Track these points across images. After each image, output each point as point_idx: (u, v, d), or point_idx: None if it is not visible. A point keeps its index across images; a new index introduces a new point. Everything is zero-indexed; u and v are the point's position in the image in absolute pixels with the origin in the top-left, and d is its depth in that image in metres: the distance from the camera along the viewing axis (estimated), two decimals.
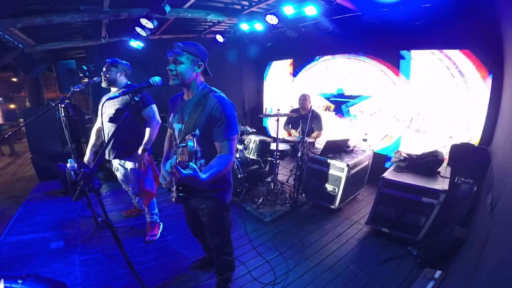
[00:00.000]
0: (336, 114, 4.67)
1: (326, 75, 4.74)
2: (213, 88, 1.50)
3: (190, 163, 1.07)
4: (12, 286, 1.34)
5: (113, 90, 2.30)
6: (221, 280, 1.88)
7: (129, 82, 2.35)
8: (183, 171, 1.05)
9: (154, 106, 2.29)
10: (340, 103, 4.58)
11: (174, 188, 1.50)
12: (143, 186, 2.41)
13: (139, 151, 2.27)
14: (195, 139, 1.08)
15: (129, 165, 2.35)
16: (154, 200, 2.60)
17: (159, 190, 3.64)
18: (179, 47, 1.34)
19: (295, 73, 5.40)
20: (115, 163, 2.42)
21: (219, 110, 1.35)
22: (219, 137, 1.37)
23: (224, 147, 1.38)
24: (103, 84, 2.27)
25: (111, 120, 2.18)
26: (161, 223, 2.75)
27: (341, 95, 4.54)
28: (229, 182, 1.60)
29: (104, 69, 2.22)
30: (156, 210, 2.65)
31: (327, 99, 4.80)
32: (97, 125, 2.45)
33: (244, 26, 4.01)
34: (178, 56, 1.34)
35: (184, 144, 1.06)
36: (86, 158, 2.37)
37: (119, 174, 2.48)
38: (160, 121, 2.33)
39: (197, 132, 1.38)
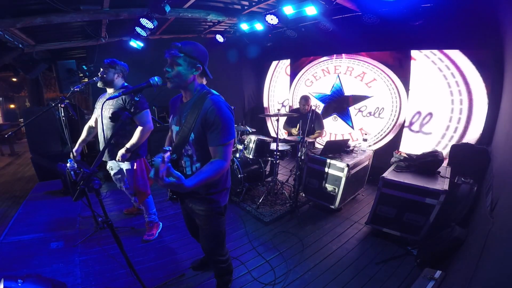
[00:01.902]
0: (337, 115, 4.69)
1: (323, 75, 4.75)
2: (211, 90, 1.45)
3: (173, 170, 1.08)
4: (12, 287, 1.34)
5: (109, 91, 2.29)
6: (220, 281, 1.87)
7: (126, 84, 2.34)
8: (166, 179, 1.05)
9: (148, 112, 2.25)
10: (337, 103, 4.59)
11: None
12: (136, 186, 2.40)
13: (122, 150, 2.21)
14: (165, 156, 1.05)
15: (124, 166, 2.35)
16: (151, 200, 2.58)
17: (160, 190, 3.65)
18: (176, 47, 1.29)
19: (295, 73, 5.40)
20: (110, 163, 2.44)
21: (214, 114, 1.29)
22: (213, 142, 1.32)
23: (217, 153, 1.32)
24: (99, 84, 2.26)
25: (112, 119, 2.18)
26: (160, 223, 2.75)
27: (338, 95, 4.55)
28: (226, 186, 1.55)
29: (101, 69, 2.22)
30: (154, 210, 2.63)
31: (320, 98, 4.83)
32: (90, 122, 2.47)
33: (244, 26, 4.01)
34: (175, 58, 1.30)
35: (154, 159, 1.04)
36: (74, 149, 2.37)
37: (112, 173, 2.50)
38: (152, 127, 2.27)
39: (192, 135, 1.35)
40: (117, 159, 2.25)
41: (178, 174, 1.08)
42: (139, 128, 2.22)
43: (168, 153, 1.08)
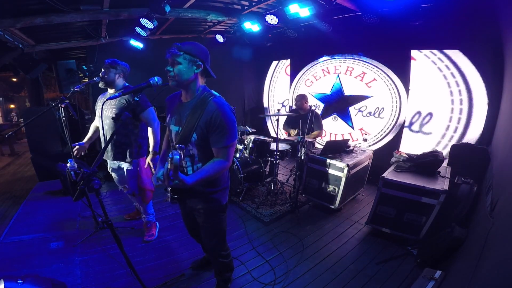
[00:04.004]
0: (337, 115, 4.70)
1: (323, 75, 4.75)
2: (213, 91, 1.45)
3: (180, 174, 1.17)
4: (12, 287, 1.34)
5: (110, 91, 2.29)
6: (220, 280, 1.87)
7: (127, 84, 2.34)
8: (171, 183, 1.17)
9: (152, 109, 2.30)
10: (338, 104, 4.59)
11: (169, 189, 1.49)
12: (141, 184, 2.41)
13: (150, 156, 2.33)
14: (182, 152, 1.17)
15: (125, 166, 2.35)
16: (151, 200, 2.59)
17: (158, 191, 3.64)
18: (176, 46, 1.32)
19: (295, 73, 5.40)
20: (110, 163, 2.43)
21: (219, 117, 1.32)
22: (216, 143, 1.35)
23: (220, 153, 1.37)
24: (100, 85, 2.27)
25: (115, 119, 2.18)
26: (157, 223, 2.75)
27: (338, 95, 4.55)
28: (226, 185, 1.59)
29: (102, 70, 2.22)
30: (153, 210, 2.64)
31: (321, 99, 4.83)
32: (95, 122, 2.50)
33: (248, 25, 3.90)
34: (175, 57, 1.31)
35: (171, 156, 1.12)
36: (84, 141, 2.44)
37: (114, 175, 2.50)
38: (159, 121, 2.35)
39: (195, 136, 1.36)
40: (145, 166, 2.36)
41: (183, 177, 1.21)
42: (149, 129, 2.32)
43: (182, 152, 1.20)
